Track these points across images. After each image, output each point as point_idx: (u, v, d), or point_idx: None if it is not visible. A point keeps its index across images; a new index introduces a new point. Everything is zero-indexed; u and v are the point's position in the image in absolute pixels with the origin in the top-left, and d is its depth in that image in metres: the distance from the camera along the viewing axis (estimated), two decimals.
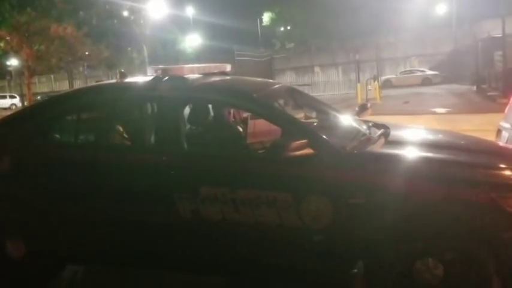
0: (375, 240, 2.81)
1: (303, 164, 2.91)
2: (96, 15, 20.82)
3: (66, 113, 3.67)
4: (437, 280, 2.77)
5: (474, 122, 11.10)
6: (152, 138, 3.33)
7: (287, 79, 31.52)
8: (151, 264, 3.33)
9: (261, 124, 3.52)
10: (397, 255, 2.81)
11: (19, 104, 32.04)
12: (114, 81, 4.33)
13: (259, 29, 50.25)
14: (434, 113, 14.61)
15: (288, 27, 44.20)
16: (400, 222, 2.77)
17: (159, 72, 3.46)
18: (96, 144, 3.57)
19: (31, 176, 3.39)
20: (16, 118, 3.73)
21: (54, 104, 3.80)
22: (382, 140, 3.36)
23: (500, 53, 19.34)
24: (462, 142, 3.78)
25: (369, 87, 21.25)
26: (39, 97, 25.38)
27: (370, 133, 3.55)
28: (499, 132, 5.41)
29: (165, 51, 34.21)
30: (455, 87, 25.40)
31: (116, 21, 22.21)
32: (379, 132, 3.56)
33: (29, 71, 22.04)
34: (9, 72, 33.71)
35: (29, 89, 22.70)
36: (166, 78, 3.41)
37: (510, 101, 5.64)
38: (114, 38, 22.12)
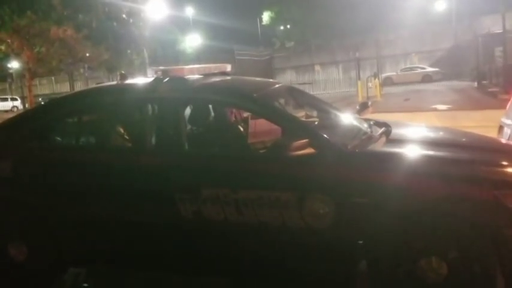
0: (378, 239, 2.80)
1: (304, 163, 2.90)
2: (96, 17, 20.84)
3: (67, 115, 3.68)
4: (441, 279, 2.76)
5: (475, 118, 11.08)
6: (153, 140, 3.33)
7: (287, 78, 31.53)
8: (153, 266, 3.33)
9: (262, 124, 3.51)
10: (400, 254, 2.80)
11: (20, 106, 32.13)
12: (114, 83, 4.33)
13: (259, 29, 50.30)
14: (435, 110, 14.57)
15: (288, 26, 44.17)
16: (403, 221, 2.76)
17: (160, 73, 3.45)
18: (98, 146, 3.58)
19: (32, 179, 3.39)
20: (17, 121, 3.73)
21: (56, 106, 3.81)
22: (384, 139, 3.35)
23: (500, 48, 19.32)
24: (464, 139, 3.78)
25: (370, 84, 21.25)
26: (40, 99, 25.45)
27: (371, 131, 3.53)
28: (500, 128, 5.38)
29: (165, 52, 34.24)
30: (455, 83, 25.38)
31: (115, 23, 22.23)
32: (381, 130, 3.55)
33: (30, 73, 22.11)
34: (10, 75, 33.80)
35: (30, 91, 22.77)
36: (166, 79, 3.41)
37: (511, 97, 5.62)
38: (113, 41, 22.16)
